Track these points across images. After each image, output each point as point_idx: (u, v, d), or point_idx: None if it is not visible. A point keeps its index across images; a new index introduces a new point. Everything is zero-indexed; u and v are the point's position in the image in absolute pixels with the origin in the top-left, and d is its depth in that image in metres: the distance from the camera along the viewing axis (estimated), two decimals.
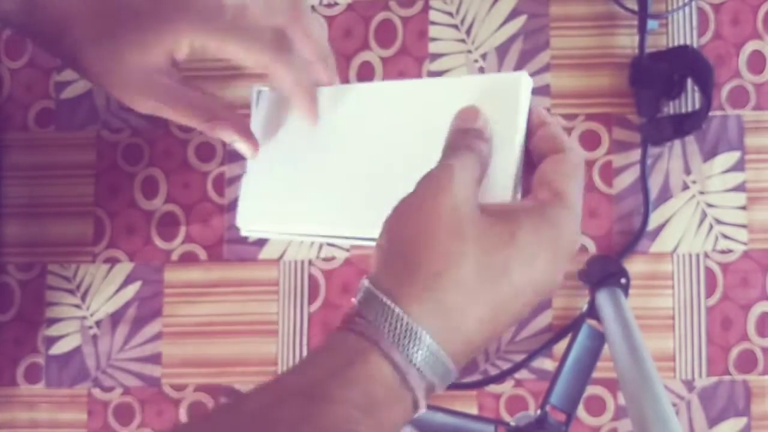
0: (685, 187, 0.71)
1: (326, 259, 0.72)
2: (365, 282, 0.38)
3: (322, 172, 0.50)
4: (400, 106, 0.48)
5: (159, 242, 0.73)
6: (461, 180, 0.38)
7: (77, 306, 0.73)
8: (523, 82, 0.44)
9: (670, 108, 0.72)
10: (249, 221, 0.56)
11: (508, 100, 0.43)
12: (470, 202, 0.38)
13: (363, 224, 0.46)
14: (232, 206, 0.72)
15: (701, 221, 0.71)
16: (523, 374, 0.70)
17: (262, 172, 0.55)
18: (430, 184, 0.39)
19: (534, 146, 0.43)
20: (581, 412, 0.70)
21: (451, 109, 0.44)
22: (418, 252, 0.37)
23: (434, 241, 0.36)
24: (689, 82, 0.71)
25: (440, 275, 0.36)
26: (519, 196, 0.44)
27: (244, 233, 0.57)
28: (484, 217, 0.38)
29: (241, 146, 0.55)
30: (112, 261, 0.73)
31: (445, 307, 0.36)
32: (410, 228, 0.37)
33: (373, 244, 0.41)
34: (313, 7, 0.73)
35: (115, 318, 0.72)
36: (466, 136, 0.41)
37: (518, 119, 0.43)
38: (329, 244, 0.71)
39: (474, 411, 0.70)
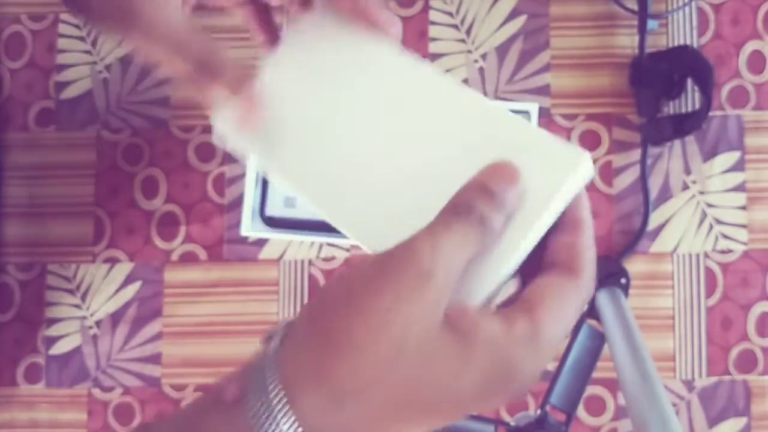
0: (685, 187, 0.71)
1: (326, 259, 0.72)
2: (267, 360, 0.31)
3: (338, 153, 0.41)
4: (446, 109, 0.39)
5: (159, 242, 0.73)
6: (444, 272, 0.30)
7: (77, 306, 0.73)
8: (583, 163, 0.34)
9: (670, 108, 0.72)
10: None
11: (553, 175, 0.34)
12: (439, 310, 0.30)
13: (367, 231, 0.38)
14: (232, 206, 0.72)
15: (701, 221, 0.71)
16: None
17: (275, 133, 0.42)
18: (404, 268, 0.30)
19: (549, 248, 0.34)
20: (581, 412, 0.70)
21: (492, 146, 0.35)
22: (344, 356, 0.30)
23: (371, 353, 0.29)
24: (689, 82, 0.71)
25: (358, 395, 0.30)
26: (501, 293, 0.35)
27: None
28: (443, 334, 0.30)
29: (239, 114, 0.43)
30: (112, 261, 0.73)
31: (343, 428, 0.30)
32: (351, 322, 0.30)
33: (369, 251, 0.35)
34: None
35: (115, 318, 0.72)
36: (485, 199, 0.32)
37: (551, 204, 0.33)
38: (329, 244, 0.71)
39: None
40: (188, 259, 0.72)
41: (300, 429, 0.29)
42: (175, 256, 0.72)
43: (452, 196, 0.33)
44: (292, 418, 0.29)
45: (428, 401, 0.30)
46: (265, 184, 0.68)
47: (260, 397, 0.30)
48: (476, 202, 0.32)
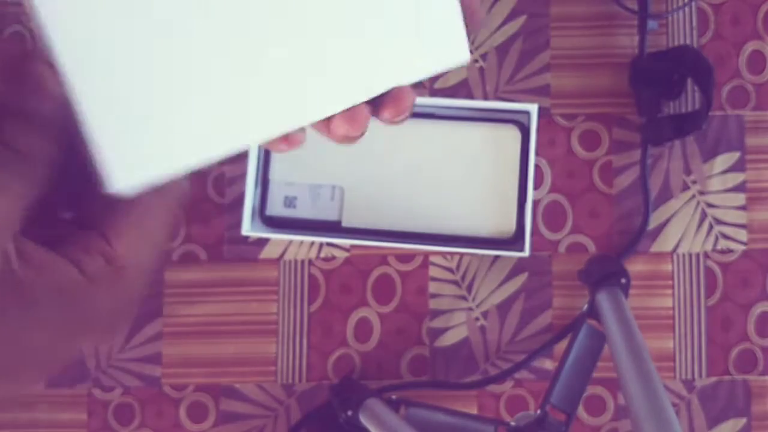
0: (685, 187, 0.71)
1: (326, 259, 0.72)
2: None
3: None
4: None
5: None
6: None
7: None
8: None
9: (670, 108, 0.72)
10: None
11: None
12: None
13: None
14: (232, 206, 0.72)
15: (701, 221, 0.71)
16: (523, 374, 0.71)
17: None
18: None
19: None
20: (581, 412, 0.70)
21: None
22: None
23: None
24: (689, 82, 0.71)
25: None
26: None
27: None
28: (8, 293, 0.25)
29: None
30: None
31: None
32: None
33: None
34: None
35: None
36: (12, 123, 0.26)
37: None
38: (329, 244, 0.71)
39: (474, 411, 0.70)
40: (188, 259, 0.72)
41: None
42: (175, 256, 0.72)
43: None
44: None
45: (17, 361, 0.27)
46: (265, 184, 0.68)
47: None
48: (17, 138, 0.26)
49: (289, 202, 0.68)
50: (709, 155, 0.71)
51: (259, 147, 0.68)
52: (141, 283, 0.29)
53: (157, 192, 0.28)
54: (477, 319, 0.71)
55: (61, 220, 0.29)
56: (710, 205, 0.71)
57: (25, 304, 0.26)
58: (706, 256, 0.70)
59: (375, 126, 0.39)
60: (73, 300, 0.27)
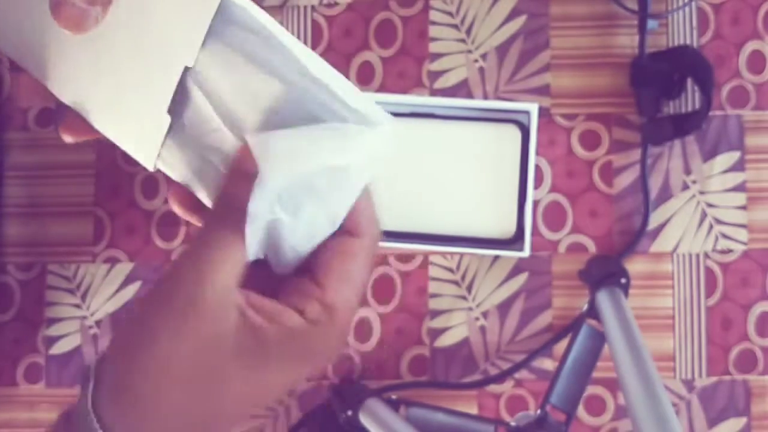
0: (685, 187, 0.71)
1: None
2: (87, 411, 0.31)
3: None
4: None
5: (159, 242, 0.73)
6: (215, 292, 0.30)
7: (77, 306, 0.73)
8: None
9: (670, 108, 0.72)
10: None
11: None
12: (223, 327, 0.30)
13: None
14: None
15: (701, 221, 0.71)
16: (523, 374, 0.70)
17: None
18: (170, 303, 0.30)
19: None
20: (581, 412, 0.70)
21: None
22: (145, 405, 0.30)
23: (165, 397, 0.30)
24: (689, 82, 0.71)
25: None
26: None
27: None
28: (237, 341, 0.30)
29: None
30: (112, 261, 0.73)
31: None
32: (144, 370, 0.30)
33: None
34: (313, 7, 0.73)
35: (115, 318, 0.72)
36: (242, 191, 0.30)
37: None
38: None
39: (474, 411, 0.70)
40: None
41: None
42: (175, 256, 0.72)
43: (218, 193, 0.31)
44: None
45: (233, 410, 0.31)
46: None
47: None
48: (243, 198, 0.29)
49: None
50: (709, 155, 0.71)
51: None
52: (350, 321, 0.33)
53: (360, 237, 0.33)
54: (477, 319, 0.71)
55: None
56: (710, 205, 0.71)
57: (263, 349, 0.30)
58: (706, 256, 0.70)
59: None
60: (299, 342, 0.31)
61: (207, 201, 0.33)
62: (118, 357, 0.31)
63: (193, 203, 0.34)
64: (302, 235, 0.32)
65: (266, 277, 0.33)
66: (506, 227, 0.67)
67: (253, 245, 0.30)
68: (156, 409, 0.30)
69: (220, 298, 0.30)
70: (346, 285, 0.32)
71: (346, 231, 0.33)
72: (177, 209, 0.35)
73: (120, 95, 0.34)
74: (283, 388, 0.32)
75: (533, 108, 0.66)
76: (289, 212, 0.31)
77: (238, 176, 0.30)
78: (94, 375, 0.32)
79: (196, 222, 0.35)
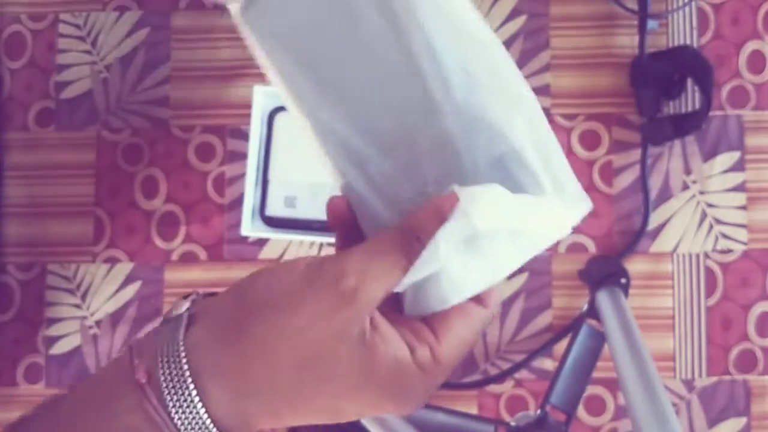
0: (685, 187, 0.71)
1: None
2: (180, 348, 0.32)
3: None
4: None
5: (159, 242, 0.73)
6: (367, 296, 0.31)
7: (77, 306, 0.73)
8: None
9: (670, 108, 0.72)
10: None
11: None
12: (355, 328, 0.32)
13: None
14: (232, 206, 0.72)
15: (701, 221, 0.71)
16: (523, 374, 0.70)
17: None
18: (329, 286, 0.31)
19: None
20: (581, 412, 0.70)
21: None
22: (257, 361, 0.32)
23: (283, 363, 0.32)
24: (689, 82, 0.71)
25: (264, 394, 0.32)
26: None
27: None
28: (354, 349, 0.32)
29: None
30: (112, 261, 0.73)
31: (249, 420, 0.33)
32: (271, 330, 0.32)
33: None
34: None
35: (115, 318, 0.72)
36: (431, 228, 0.32)
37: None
38: (329, 244, 0.71)
39: (474, 411, 0.70)
40: (188, 259, 0.72)
41: (207, 416, 0.31)
42: (175, 256, 0.72)
43: (405, 218, 0.33)
44: (203, 408, 0.31)
45: (324, 406, 0.33)
46: (265, 184, 0.68)
47: (174, 384, 0.31)
48: (427, 233, 0.32)
49: (289, 202, 0.68)
50: (709, 155, 0.71)
51: (259, 147, 0.69)
52: (446, 378, 0.34)
53: (485, 307, 0.34)
54: None
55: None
56: (710, 205, 0.71)
57: (368, 362, 0.32)
58: (706, 256, 0.70)
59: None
60: (397, 377, 0.32)
61: (364, 225, 0.35)
62: (241, 300, 0.33)
63: (347, 219, 0.36)
64: (455, 288, 0.33)
65: (392, 308, 0.34)
66: None
67: (413, 278, 0.32)
68: (264, 358, 0.32)
69: (367, 301, 0.31)
70: (458, 346, 0.33)
71: (473, 297, 0.34)
72: (331, 218, 0.36)
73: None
74: (357, 413, 0.33)
75: None
76: (460, 264, 0.32)
77: (434, 214, 0.32)
78: (188, 312, 0.33)
79: (332, 235, 0.37)
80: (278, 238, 0.70)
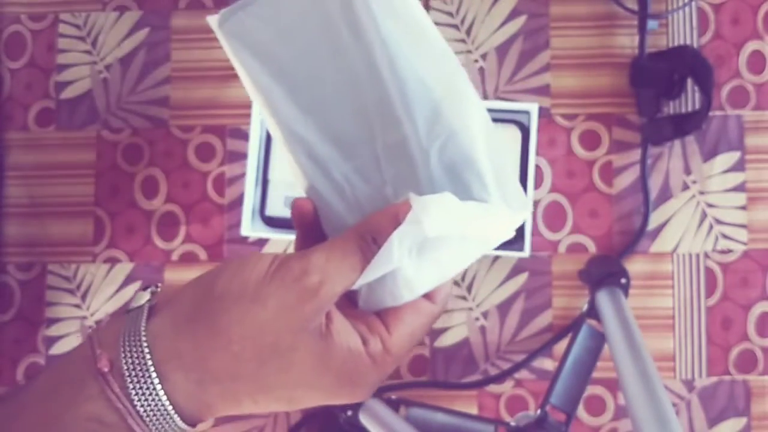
0: (685, 187, 0.71)
1: None
2: (142, 336, 0.33)
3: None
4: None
5: (159, 242, 0.73)
6: (327, 293, 0.33)
7: (77, 306, 0.73)
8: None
9: (670, 108, 0.72)
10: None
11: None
12: (314, 322, 0.33)
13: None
14: (232, 206, 0.72)
15: (701, 221, 0.71)
16: (523, 374, 0.70)
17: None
18: (293, 282, 0.33)
19: None
20: (581, 412, 0.70)
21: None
22: (219, 351, 0.33)
23: (246, 354, 0.33)
24: (689, 82, 0.71)
25: (224, 382, 0.33)
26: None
27: None
28: (312, 341, 0.33)
29: None
30: (112, 261, 0.73)
31: (210, 407, 0.34)
32: (234, 322, 0.33)
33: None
34: None
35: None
36: (386, 232, 0.34)
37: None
38: None
39: (474, 411, 0.70)
40: (188, 259, 0.72)
41: (169, 403, 0.33)
42: (175, 256, 0.72)
43: (363, 222, 0.35)
44: (165, 396, 0.32)
45: (283, 395, 0.34)
46: (265, 184, 0.68)
47: (137, 372, 0.32)
48: (383, 236, 0.34)
49: (289, 202, 0.68)
50: (709, 155, 0.71)
51: (259, 147, 0.69)
52: (395, 368, 0.37)
53: (434, 303, 0.36)
54: (477, 319, 0.71)
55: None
56: (710, 205, 0.71)
57: (324, 353, 0.34)
58: (706, 256, 0.70)
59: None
60: (351, 366, 0.34)
61: (326, 226, 0.38)
62: (206, 290, 0.34)
63: (310, 220, 0.38)
64: (407, 287, 0.35)
65: (347, 302, 0.36)
66: None
67: (369, 277, 0.34)
68: (226, 348, 0.33)
69: (327, 297, 0.33)
70: (408, 338, 0.36)
71: (424, 294, 0.36)
72: (295, 218, 0.38)
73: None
74: (313, 401, 0.35)
75: (533, 108, 0.66)
76: (412, 265, 0.34)
77: (390, 219, 0.34)
78: (149, 303, 0.35)
79: (295, 232, 0.39)
80: (278, 238, 0.70)
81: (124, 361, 0.32)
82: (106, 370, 0.32)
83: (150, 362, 0.32)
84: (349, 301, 0.37)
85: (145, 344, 0.33)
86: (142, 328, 0.33)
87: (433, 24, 0.36)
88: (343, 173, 0.37)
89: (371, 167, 0.37)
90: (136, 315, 0.34)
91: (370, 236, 0.34)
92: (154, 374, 0.32)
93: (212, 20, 0.37)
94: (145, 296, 0.36)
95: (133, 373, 0.32)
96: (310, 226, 0.38)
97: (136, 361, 0.32)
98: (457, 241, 0.35)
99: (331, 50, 0.36)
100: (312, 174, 0.37)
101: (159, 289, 0.37)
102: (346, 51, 0.36)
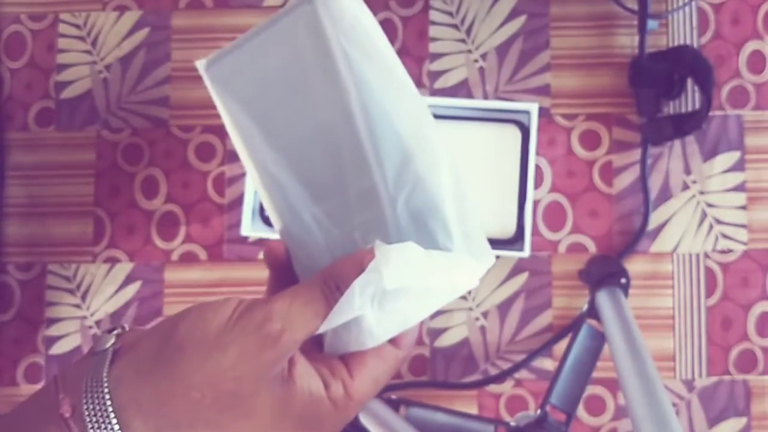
0: (685, 187, 0.71)
1: None
2: (104, 383, 0.33)
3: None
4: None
5: (159, 242, 0.73)
6: (289, 340, 0.33)
7: (77, 306, 0.73)
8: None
9: (670, 108, 0.72)
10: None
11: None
12: (275, 369, 0.33)
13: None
14: (232, 206, 0.72)
15: (701, 221, 0.71)
16: (523, 374, 0.71)
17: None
18: (255, 329, 0.33)
19: None
20: (581, 412, 0.70)
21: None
22: (180, 399, 0.33)
23: (206, 402, 0.33)
24: (689, 82, 0.71)
25: (184, 430, 0.33)
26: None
27: None
28: (273, 386, 0.34)
29: None
30: (112, 261, 0.73)
31: None
32: (195, 369, 0.33)
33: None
34: None
35: (115, 318, 0.72)
36: (349, 279, 0.34)
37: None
38: None
39: (474, 411, 0.70)
40: (188, 259, 0.72)
41: None
42: (175, 256, 0.72)
43: (328, 267, 0.35)
44: None
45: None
46: None
47: (98, 419, 0.32)
48: (346, 283, 0.34)
49: None
50: (709, 155, 0.71)
51: None
52: (357, 412, 0.36)
53: (399, 348, 0.36)
54: (477, 319, 0.71)
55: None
56: (710, 205, 0.71)
57: (285, 397, 0.34)
58: (706, 256, 0.70)
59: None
60: (311, 410, 0.34)
61: (297, 268, 0.38)
62: (168, 337, 0.34)
63: (283, 262, 0.38)
64: (370, 334, 0.35)
65: (311, 345, 0.36)
66: (506, 227, 0.67)
67: (331, 324, 0.34)
68: (185, 395, 0.33)
69: (289, 344, 0.33)
70: (370, 383, 0.36)
71: (390, 339, 0.36)
72: (268, 260, 0.39)
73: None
74: None
75: (533, 108, 0.66)
76: (374, 313, 0.35)
77: (354, 266, 0.34)
78: (113, 347, 0.35)
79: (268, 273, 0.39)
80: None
81: (85, 407, 0.32)
82: (67, 415, 0.32)
83: (111, 409, 0.32)
84: (314, 344, 0.36)
85: (106, 390, 0.33)
86: (104, 374, 0.33)
87: (402, 67, 0.37)
88: (314, 216, 0.38)
89: (342, 211, 0.37)
90: (99, 359, 0.34)
91: (333, 283, 0.35)
92: (114, 421, 0.32)
93: (200, 65, 0.39)
94: (110, 339, 0.36)
95: (94, 419, 0.32)
96: (282, 268, 0.38)
97: (97, 407, 0.33)
98: (419, 292, 0.35)
99: (308, 96, 0.37)
100: (285, 215, 0.38)
101: (125, 331, 0.36)
102: (323, 97, 0.36)
